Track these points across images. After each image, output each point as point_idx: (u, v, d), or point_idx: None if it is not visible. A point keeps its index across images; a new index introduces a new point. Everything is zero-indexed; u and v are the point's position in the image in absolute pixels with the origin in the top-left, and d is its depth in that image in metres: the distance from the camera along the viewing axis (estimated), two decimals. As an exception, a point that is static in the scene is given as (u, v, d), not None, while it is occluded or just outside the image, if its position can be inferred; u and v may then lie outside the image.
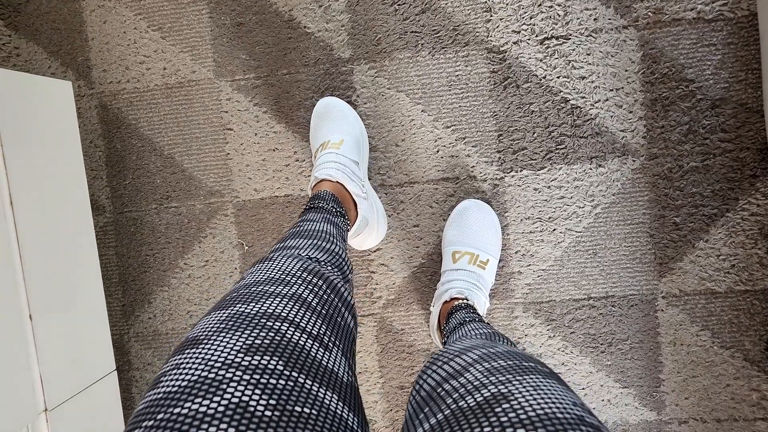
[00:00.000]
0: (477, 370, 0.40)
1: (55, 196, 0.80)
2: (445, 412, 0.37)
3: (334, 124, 0.90)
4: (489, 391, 0.36)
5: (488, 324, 0.73)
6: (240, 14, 0.97)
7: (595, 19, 0.91)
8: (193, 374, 0.35)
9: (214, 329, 0.40)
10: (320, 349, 0.42)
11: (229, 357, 0.36)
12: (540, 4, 0.91)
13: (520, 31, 0.92)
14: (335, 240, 0.65)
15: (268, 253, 0.56)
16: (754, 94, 0.89)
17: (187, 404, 0.33)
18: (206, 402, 0.33)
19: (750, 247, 0.90)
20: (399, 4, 0.94)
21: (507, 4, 0.92)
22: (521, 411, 0.33)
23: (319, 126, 0.91)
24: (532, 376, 0.38)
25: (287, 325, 0.41)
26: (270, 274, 0.49)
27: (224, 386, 0.34)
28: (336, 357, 0.43)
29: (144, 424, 0.33)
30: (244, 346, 0.37)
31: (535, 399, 0.34)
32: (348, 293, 0.55)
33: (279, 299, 0.44)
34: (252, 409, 0.32)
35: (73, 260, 0.82)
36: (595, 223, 0.93)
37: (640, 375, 0.94)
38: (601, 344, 0.94)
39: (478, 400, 0.36)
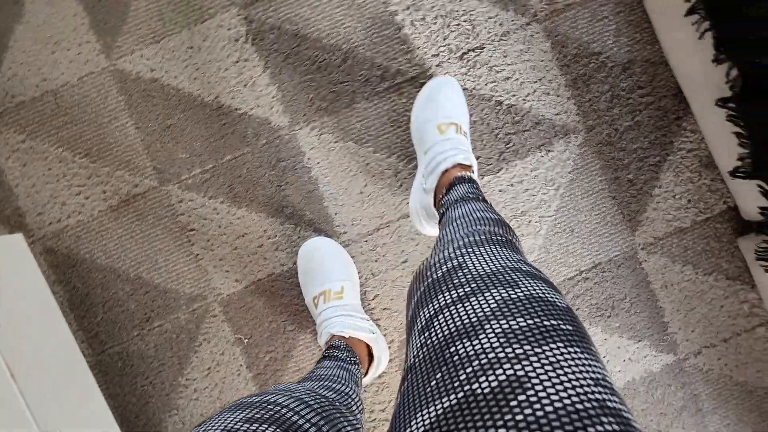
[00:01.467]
0: (494, 331, 0.37)
1: (45, 353, 0.73)
2: (459, 394, 0.35)
3: (330, 271, 0.90)
4: (504, 371, 0.34)
5: (490, 206, 0.68)
6: (167, 116, 0.94)
7: (500, 24, 0.97)
8: None
9: (218, 414, 0.43)
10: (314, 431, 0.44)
11: (228, 424, 0.39)
12: (448, 25, 0.97)
13: (438, 54, 0.97)
14: (347, 383, 0.68)
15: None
16: (653, 49, 0.98)
17: None
18: None
19: (697, 180, 0.99)
20: (320, 62, 0.96)
21: (419, 33, 0.97)
22: (538, 406, 0.31)
23: (312, 273, 0.91)
24: (551, 346, 0.35)
25: (287, 410, 0.44)
26: (279, 388, 0.53)
27: None
28: None
29: None
30: (243, 418, 0.40)
31: (553, 384, 0.32)
32: (357, 422, 0.56)
33: (284, 397, 0.47)
34: None
35: (84, 416, 0.76)
36: (563, 203, 0.99)
37: (648, 325, 1.00)
38: (605, 310, 1.00)
39: (493, 384, 0.33)
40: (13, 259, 0.77)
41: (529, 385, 0.32)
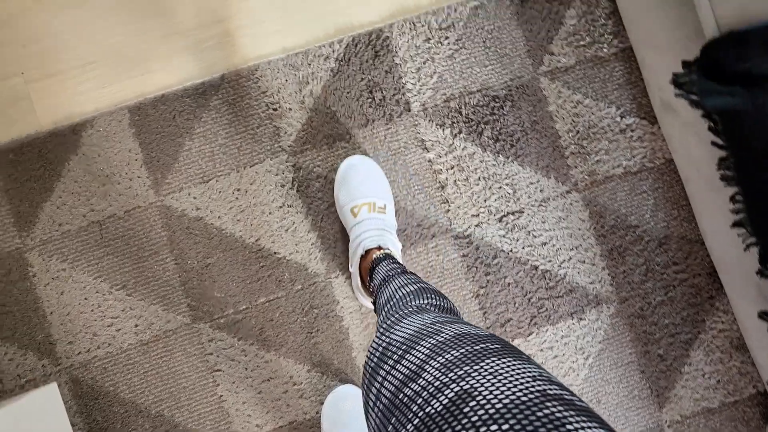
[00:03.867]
0: (433, 367, 0.40)
1: None
2: (414, 422, 0.37)
3: (377, 186, 0.93)
4: (452, 390, 0.37)
5: (412, 273, 0.73)
6: (207, 255, 0.96)
7: (541, 191, 0.99)
8: None
9: None
10: None
11: None
12: (490, 187, 0.99)
13: (478, 214, 0.99)
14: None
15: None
16: (690, 226, 1.00)
17: None
18: None
19: (727, 361, 0.99)
20: (362, 214, 0.97)
21: (461, 193, 0.98)
22: (488, 406, 0.34)
23: (360, 182, 0.92)
24: (487, 361, 0.38)
25: None
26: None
27: None
28: None
29: None
30: None
31: (497, 387, 0.35)
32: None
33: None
34: None
35: None
36: (591, 373, 0.98)
37: (672, 508, 0.97)
38: (629, 488, 0.97)
39: (444, 402, 0.36)
40: (46, 409, 0.77)
41: (476, 393, 0.35)
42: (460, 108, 0.99)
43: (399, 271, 0.77)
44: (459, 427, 0.33)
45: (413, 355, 0.44)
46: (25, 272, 0.94)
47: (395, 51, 0.99)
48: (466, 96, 0.99)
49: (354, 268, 0.88)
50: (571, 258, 0.99)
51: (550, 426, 0.31)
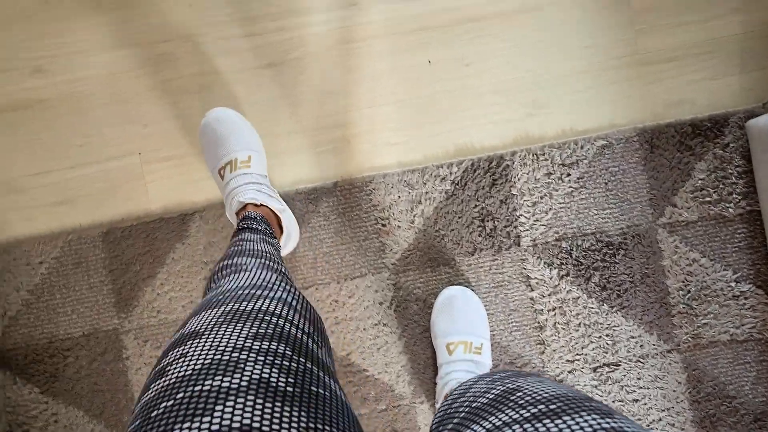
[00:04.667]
0: (479, 384, 0.44)
1: None
2: (461, 416, 0.40)
3: (235, 140, 0.86)
4: (498, 389, 0.40)
5: None
6: (296, 362, 0.95)
7: (641, 346, 0.97)
8: (205, 358, 0.35)
9: (213, 323, 0.40)
10: (313, 344, 0.44)
11: (239, 342, 0.36)
12: (589, 335, 0.96)
13: (574, 360, 0.96)
14: (278, 260, 0.66)
15: (232, 267, 0.57)
16: (790, 405, 0.96)
17: (207, 381, 0.32)
18: (227, 378, 0.32)
19: None
20: (456, 344, 0.96)
21: (559, 337, 0.96)
22: (535, 394, 0.36)
23: (216, 143, 0.86)
24: (533, 378, 0.41)
25: (283, 320, 0.43)
26: (250, 281, 0.51)
27: (242, 365, 0.34)
28: (325, 354, 0.45)
29: (162, 405, 0.32)
30: (250, 334, 0.38)
31: (542, 389, 0.37)
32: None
33: (269, 300, 0.46)
34: (274, 384, 0.33)
35: None
36: None
37: None
38: None
39: (490, 397, 0.39)
40: None
41: (522, 388, 0.38)
42: (572, 249, 0.96)
43: None
44: (506, 408, 0.36)
45: (461, 386, 0.48)
46: (119, 354, 0.95)
47: (513, 181, 0.96)
48: (580, 238, 0.96)
49: (439, 404, 0.87)
50: (661, 419, 0.96)
51: (598, 411, 0.33)
